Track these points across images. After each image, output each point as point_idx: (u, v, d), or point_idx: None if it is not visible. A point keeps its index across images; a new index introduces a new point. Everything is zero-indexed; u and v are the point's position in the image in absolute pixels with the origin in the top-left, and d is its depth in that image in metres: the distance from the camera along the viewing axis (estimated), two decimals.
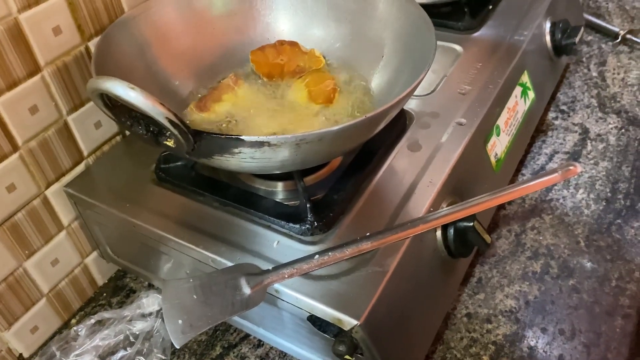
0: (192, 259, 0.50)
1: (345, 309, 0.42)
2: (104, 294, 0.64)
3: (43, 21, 0.49)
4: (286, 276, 0.44)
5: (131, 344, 0.58)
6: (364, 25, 0.57)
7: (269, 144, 0.39)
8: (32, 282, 0.56)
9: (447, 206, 0.52)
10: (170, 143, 0.39)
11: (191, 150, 0.39)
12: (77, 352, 0.58)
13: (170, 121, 0.35)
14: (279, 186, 0.55)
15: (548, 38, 0.74)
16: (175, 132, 0.36)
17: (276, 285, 0.45)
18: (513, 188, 0.50)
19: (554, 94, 0.85)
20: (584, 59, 0.91)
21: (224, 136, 0.39)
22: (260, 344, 0.57)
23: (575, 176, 0.70)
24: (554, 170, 0.52)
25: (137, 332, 0.59)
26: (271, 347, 0.57)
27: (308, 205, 0.48)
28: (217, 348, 0.58)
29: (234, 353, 0.57)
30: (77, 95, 0.55)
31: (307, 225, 0.48)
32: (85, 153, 0.58)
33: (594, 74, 0.88)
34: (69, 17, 0.52)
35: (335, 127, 0.39)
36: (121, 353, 0.57)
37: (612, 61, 0.90)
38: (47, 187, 0.55)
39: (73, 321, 0.62)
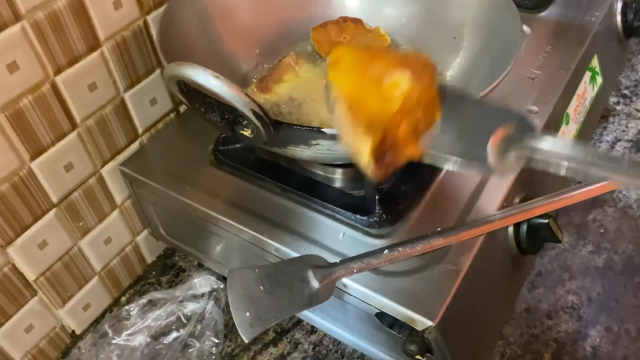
0: (248, 243, 0.49)
1: (418, 309, 0.41)
2: (153, 272, 0.64)
3: None
4: (355, 271, 0.43)
5: (183, 325, 0.57)
6: (439, 5, 0.54)
7: None
8: (85, 261, 0.55)
9: (520, 201, 0.50)
10: (247, 133, 0.37)
11: (268, 139, 0.37)
12: (129, 331, 0.57)
13: (254, 112, 0.33)
14: (338, 172, 0.52)
15: (619, 19, 0.70)
16: (258, 123, 0.34)
17: (344, 280, 0.44)
18: (591, 186, 0.48)
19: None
20: None
21: (305, 128, 0.36)
22: (313, 330, 0.56)
23: None
24: None
25: (189, 314, 0.58)
26: (325, 334, 0.56)
27: (377, 197, 0.46)
28: (270, 333, 0.57)
29: (287, 339, 0.56)
30: (135, 71, 0.53)
31: (376, 218, 0.46)
32: (140, 131, 0.56)
33: None
34: None
35: None
36: (174, 334, 0.57)
37: None
38: (103, 165, 0.53)
39: (123, 299, 0.61)
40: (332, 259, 0.44)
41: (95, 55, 0.48)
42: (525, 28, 0.64)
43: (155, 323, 0.57)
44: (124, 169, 0.54)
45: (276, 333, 0.57)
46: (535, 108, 0.55)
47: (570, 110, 0.59)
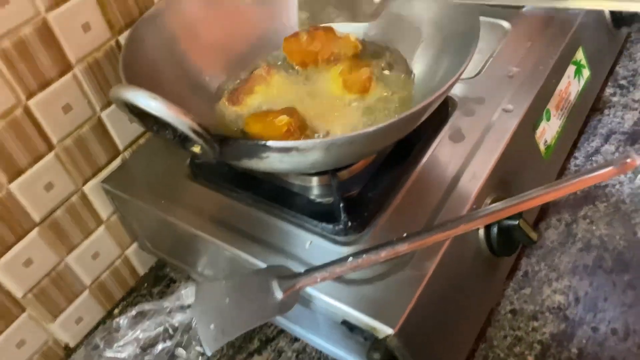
0: (227, 256, 0.49)
1: (379, 317, 0.41)
2: (145, 284, 0.65)
3: (72, 19, 0.49)
4: (318, 280, 0.43)
5: (171, 336, 0.58)
6: (401, 6, 0.53)
7: (297, 148, 0.37)
8: (74, 276, 0.57)
9: (491, 202, 0.49)
10: (196, 149, 0.38)
11: (218, 155, 0.38)
12: (119, 343, 0.59)
13: (194, 131, 0.34)
14: (314, 181, 0.53)
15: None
16: (200, 140, 0.35)
17: (309, 289, 0.44)
18: (562, 184, 0.46)
19: (613, 68, 0.79)
20: None
21: (250, 142, 0.37)
22: (297, 338, 0.57)
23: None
24: (608, 163, 0.48)
25: (177, 324, 0.59)
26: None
27: (341, 205, 0.46)
28: (255, 341, 0.58)
29: (271, 347, 0.57)
30: (109, 89, 0.54)
31: (341, 226, 0.46)
32: (121, 147, 0.58)
33: None
34: (98, 13, 0.51)
35: (366, 130, 0.37)
36: (161, 345, 0.58)
37: None
38: (85, 183, 0.55)
39: (116, 311, 0.63)
40: (299, 268, 0.44)
41: (67, 77, 0.50)
42: (506, 24, 0.64)
43: (144, 334, 0.59)
44: (105, 185, 0.56)
45: (260, 342, 0.58)
46: (510, 106, 0.54)
47: (552, 106, 0.58)
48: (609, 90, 0.76)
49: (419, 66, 0.53)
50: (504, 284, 0.58)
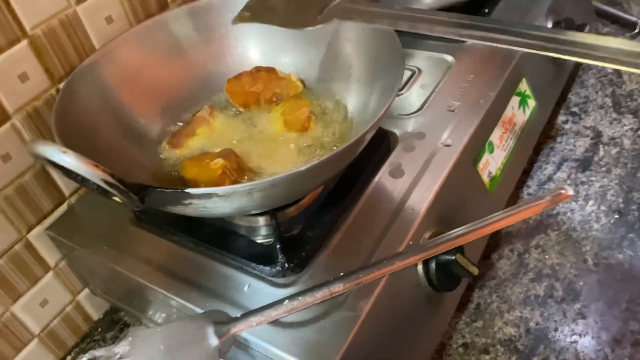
0: (168, 303, 0.49)
1: None
2: (99, 329, 0.64)
3: (7, 70, 0.49)
4: (254, 324, 0.43)
5: None
6: (333, 47, 0.54)
7: (217, 194, 0.37)
8: (21, 325, 0.56)
9: (429, 237, 0.49)
10: (118, 199, 0.38)
11: (141, 203, 0.38)
12: None
13: (107, 182, 0.34)
14: (261, 221, 0.53)
15: None
16: (114, 192, 0.35)
17: (245, 334, 0.44)
18: (498, 217, 0.47)
19: (565, 95, 0.80)
20: None
21: (169, 190, 0.37)
22: None
23: (567, 200, 0.66)
24: (543, 196, 0.48)
25: None
26: None
27: (278, 246, 0.46)
28: None
29: None
30: (52, 137, 0.54)
31: (278, 267, 0.46)
32: (66, 194, 0.58)
33: (609, 70, 0.83)
34: (36, 63, 0.51)
35: (285, 174, 0.37)
36: None
37: None
38: (29, 231, 0.55)
39: (68, 358, 0.62)
40: (237, 312, 0.44)
41: (5, 127, 0.50)
42: (450, 58, 0.65)
43: None
44: (50, 233, 0.56)
45: None
46: (450, 141, 0.55)
47: (495, 138, 0.59)
48: (561, 118, 0.77)
49: (353, 101, 0.54)
50: (457, 317, 0.57)
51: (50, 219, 0.57)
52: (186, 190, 0.37)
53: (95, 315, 0.65)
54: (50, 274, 0.58)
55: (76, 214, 0.58)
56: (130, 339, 0.45)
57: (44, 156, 0.34)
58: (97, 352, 0.60)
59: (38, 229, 0.56)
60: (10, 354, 0.56)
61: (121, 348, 0.61)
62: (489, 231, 0.46)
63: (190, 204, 0.38)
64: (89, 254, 0.53)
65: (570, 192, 0.48)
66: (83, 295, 0.62)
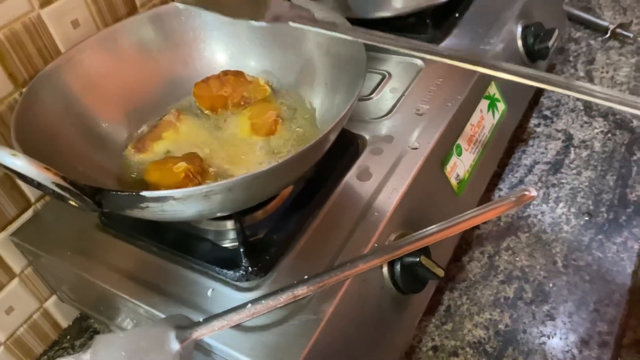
0: (131, 308, 0.48)
1: None
2: (68, 337, 0.64)
3: None
4: (216, 329, 0.42)
5: None
6: (299, 51, 0.54)
7: (173, 197, 0.37)
8: None
9: (395, 239, 0.49)
10: (74, 203, 0.38)
11: (97, 207, 0.37)
12: None
13: (59, 185, 0.34)
14: (228, 225, 0.52)
15: (520, 43, 0.70)
16: (67, 195, 0.34)
17: (208, 339, 0.43)
18: (462, 218, 0.47)
19: (537, 99, 0.81)
20: (570, 58, 0.87)
21: (124, 193, 0.37)
22: None
23: (532, 201, 0.66)
24: (507, 198, 0.48)
25: None
26: None
27: (242, 250, 0.46)
28: None
29: None
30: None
31: (242, 271, 0.46)
32: (32, 200, 0.57)
33: (581, 74, 0.84)
34: None
35: (241, 177, 0.37)
36: None
37: (601, 58, 0.86)
38: None
39: None
40: (200, 317, 0.43)
41: None
42: (419, 62, 0.65)
43: None
44: (14, 239, 0.55)
45: None
46: (417, 144, 0.55)
47: (463, 141, 0.59)
48: (533, 121, 0.78)
49: (319, 104, 0.54)
50: (427, 319, 0.57)
51: (15, 225, 0.56)
52: (141, 194, 0.36)
53: (64, 323, 0.64)
54: (15, 281, 0.57)
55: (42, 219, 0.57)
56: (92, 345, 0.44)
57: None
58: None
59: (2, 235, 0.55)
60: None
61: (88, 355, 0.60)
62: (453, 232, 0.46)
63: (147, 207, 0.38)
64: (54, 261, 0.53)
65: (534, 193, 0.48)
66: (51, 302, 0.62)
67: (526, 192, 0.48)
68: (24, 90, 0.53)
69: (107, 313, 0.56)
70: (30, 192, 0.57)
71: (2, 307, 0.56)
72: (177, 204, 0.38)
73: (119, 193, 0.37)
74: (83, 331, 0.64)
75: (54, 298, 0.62)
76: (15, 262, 0.57)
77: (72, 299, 0.60)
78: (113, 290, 0.48)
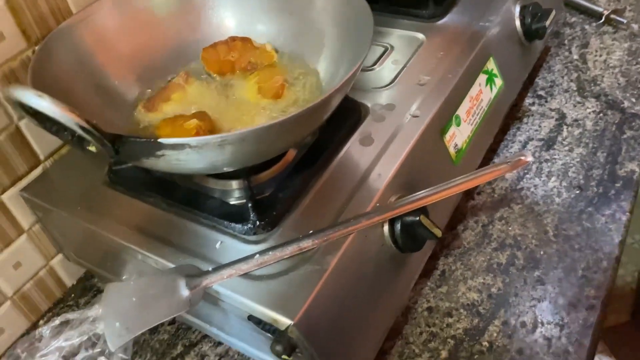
0: (141, 260, 0.50)
1: (280, 309, 0.42)
2: (72, 295, 0.65)
3: None
4: (225, 277, 0.44)
5: (94, 345, 0.58)
6: (307, 17, 0.56)
7: (189, 145, 0.38)
8: None
9: (395, 200, 0.51)
10: (92, 149, 0.39)
11: (115, 154, 0.39)
12: (42, 352, 0.58)
13: (82, 127, 0.35)
14: (234, 185, 0.54)
15: (518, 23, 0.72)
16: (90, 138, 0.36)
17: (216, 287, 0.45)
18: (461, 180, 0.49)
19: (532, 79, 0.83)
20: (565, 42, 0.89)
21: (142, 140, 0.38)
22: (220, 342, 0.58)
23: (526, 166, 0.69)
24: (503, 162, 0.51)
25: (100, 333, 0.59)
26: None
27: (250, 204, 0.48)
28: (179, 346, 0.58)
29: (194, 352, 0.57)
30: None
31: (250, 225, 0.47)
32: (41, 157, 0.58)
33: (575, 57, 0.86)
34: (12, 23, 0.52)
35: (254, 127, 0.38)
36: (84, 353, 0.58)
37: (595, 43, 0.88)
38: (3, 192, 0.55)
39: (41, 323, 0.63)
40: (209, 267, 0.45)
41: None
42: (421, 36, 0.67)
43: (67, 343, 0.58)
44: (24, 194, 0.56)
45: (184, 346, 0.58)
46: (418, 112, 0.57)
47: (462, 112, 0.61)
48: (528, 100, 0.80)
49: (325, 71, 0.56)
50: (422, 283, 0.60)
51: (25, 181, 0.57)
52: (159, 140, 0.38)
53: (69, 282, 0.65)
54: (23, 237, 0.59)
55: (51, 177, 0.58)
56: (104, 293, 0.46)
57: (19, 100, 0.35)
58: (70, 315, 0.61)
59: (12, 191, 0.56)
60: None
61: (93, 311, 0.62)
62: (453, 192, 0.48)
63: (163, 155, 0.39)
64: (63, 215, 0.54)
65: (530, 158, 0.50)
66: (57, 261, 0.63)
67: (522, 157, 0.50)
68: (37, 47, 0.54)
69: (113, 269, 0.58)
70: (40, 149, 0.58)
71: (10, 262, 0.58)
72: (193, 152, 0.39)
73: (138, 140, 0.38)
74: (87, 290, 0.65)
75: (59, 256, 0.63)
76: (24, 218, 0.58)
77: (78, 257, 0.61)
78: (123, 242, 0.50)
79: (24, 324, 0.61)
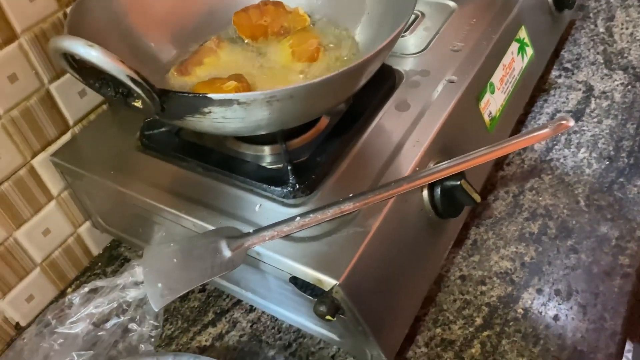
0: (179, 225, 0.50)
1: (325, 270, 0.42)
2: (99, 264, 0.65)
3: None
4: (267, 238, 0.44)
5: (124, 312, 0.58)
6: None
7: (237, 101, 0.38)
8: (24, 252, 0.56)
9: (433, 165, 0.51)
10: (138, 104, 0.38)
11: (160, 110, 0.38)
12: (72, 319, 0.58)
13: (132, 79, 0.35)
14: (266, 150, 0.54)
15: None
16: (139, 90, 0.35)
17: (258, 248, 0.45)
18: (502, 144, 0.48)
19: (558, 52, 0.82)
20: (590, 15, 0.88)
21: (190, 95, 0.38)
22: (252, 309, 0.57)
23: (567, 130, 0.68)
24: (544, 126, 0.50)
25: (130, 300, 0.59)
26: (263, 312, 0.57)
27: (289, 168, 0.47)
28: (210, 314, 0.58)
29: (226, 318, 0.57)
30: (56, 64, 0.54)
31: (289, 188, 0.47)
32: (70, 122, 0.58)
33: (601, 30, 0.85)
34: None
35: (305, 83, 0.38)
36: (114, 320, 0.58)
37: (621, 16, 0.87)
38: (33, 156, 0.55)
39: (69, 290, 0.62)
40: (249, 230, 0.45)
41: (12, 47, 0.50)
42: (452, 4, 0.66)
43: (97, 310, 0.58)
44: (54, 159, 0.56)
45: (215, 314, 0.58)
46: (454, 78, 0.56)
47: (496, 79, 0.60)
48: (554, 73, 0.79)
49: (363, 36, 0.55)
50: (454, 252, 0.59)
51: (55, 147, 0.56)
52: (208, 95, 0.37)
53: (95, 250, 0.65)
54: (52, 203, 0.58)
55: (80, 143, 0.58)
56: (143, 255, 0.46)
57: (68, 50, 0.34)
58: (99, 283, 0.61)
59: (42, 155, 0.55)
60: (13, 281, 0.56)
61: (123, 279, 0.61)
62: (497, 155, 0.47)
63: (210, 112, 0.39)
64: (95, 180, 0.53)
65: (571, 122, 0.49)
66: (84, 229, 0.63)
67: (563, 122, 0.49)
68: (68, 9, 0.53)
69: (143, 235, 0.57)
70: (69, 114, 0.57)
71: (39, 228, 0.57)
72: (240, 109, 0.38)
73: (186, 95, 0.38)
74: (114, 259, 0.65)
75: (87, 224, 0.63)
76: (54, 184, 0.57)
77: (106, 224, 0.61)
78: (160, 205, 0.49)
79: (53, 292, 0.61)
